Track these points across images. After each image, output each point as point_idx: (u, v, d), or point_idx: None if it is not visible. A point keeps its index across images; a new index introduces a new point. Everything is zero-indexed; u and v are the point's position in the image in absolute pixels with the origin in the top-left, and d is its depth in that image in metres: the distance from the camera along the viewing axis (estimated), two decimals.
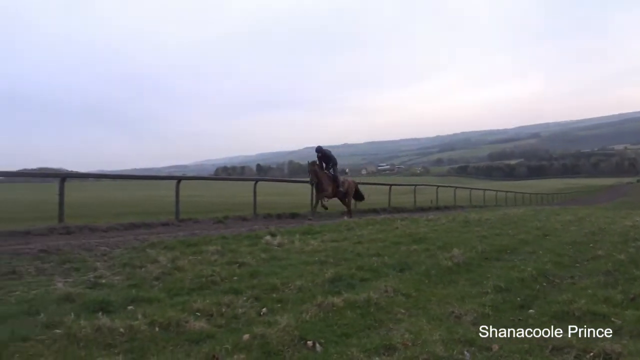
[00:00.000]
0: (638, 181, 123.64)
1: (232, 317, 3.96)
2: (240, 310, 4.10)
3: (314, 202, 15.86)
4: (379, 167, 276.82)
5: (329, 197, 16.15)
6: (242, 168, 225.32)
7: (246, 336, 3.38)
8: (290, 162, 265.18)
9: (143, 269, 5.70)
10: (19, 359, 2.92)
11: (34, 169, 24.95)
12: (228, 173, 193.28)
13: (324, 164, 16.32)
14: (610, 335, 3.45)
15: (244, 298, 4.43)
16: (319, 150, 16.47)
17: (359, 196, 18.10)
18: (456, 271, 6.01)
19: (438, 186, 29.77)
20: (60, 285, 4.93)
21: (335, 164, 16.50)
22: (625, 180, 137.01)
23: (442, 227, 11.53)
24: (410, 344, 3.31)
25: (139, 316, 3.68)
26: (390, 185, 24.58)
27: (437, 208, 24.12)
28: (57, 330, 3.34)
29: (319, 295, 4.41)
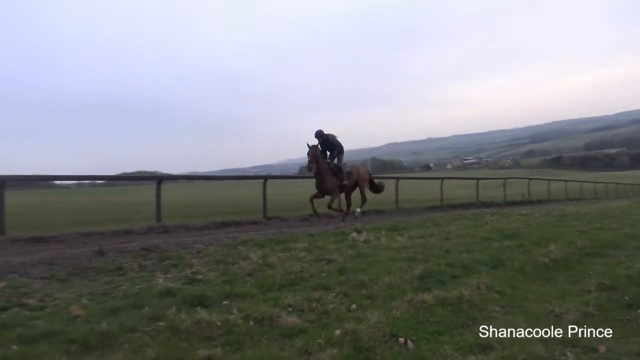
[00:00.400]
0: None
1: (323, 312, 4.01)
2: (330, 306, 4.14)
3: (332, 201, 12.59)
4: (465, 161, 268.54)
5: (330, 194, 12.58)
6: None
7: (337, 332, 3.41)
8: (373, 159, 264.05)
9: (236, 266, 5.93)
10: (128, 349, 3.14)
11: (133, 173, 26.68)
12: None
13: (327, 153, 12.86)
14: None
15: (333, 294, 4.47)
16: (320, 135, 12.66)
17: (375, 187, 14.36)
18: (554, 268, 5.73)
19: (530, 179, 28.40)
20: (161, 280, 5.25)
21: (341, 152, 12.95)
22: None
23: (536, 221, 11.01)
24: (507, 343, 3.20)
25: (234, 310, 3.83)
26: (478, 179, 23.79)
27: (529, 202, 23.03)
28: (161, 323, 3.56)
29: (409, 292, 4.37)
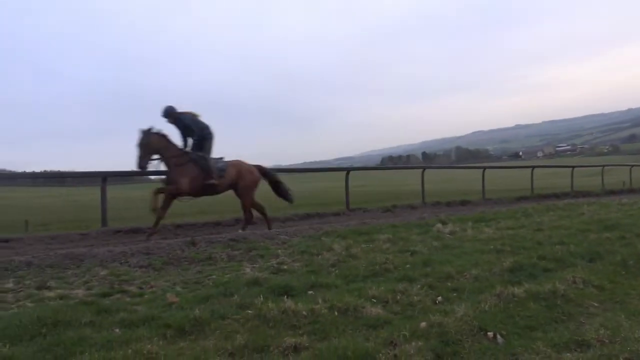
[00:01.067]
0: None
1: (408, 304, 3.98)
2: (415, 298, 4.11)
3: (152, 202, 8.52)
4: (558, 148, 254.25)
5: (185, 194, 8.79)
6: (408, 156, 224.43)
7: (423, 324, 3.37)
8: (458, 148, 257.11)
9: (320, 257, 6.02)
10: (219, 335, 3.29)
11: None
12: (394, 162, 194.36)
13: (188, 139, 9.09)
14: None
15: (418, 286, 4.42)
16: (169, 113, 8.87)
17: (281, 192, 10.06)
18: None
19: (632, 166, 26.39)
20: (248, 270, 5.46)
21: (205, 137, 8.97)
22: None
23: (639, 212, 10.23)
24: (607, 341, 3.01)
25: (319, 300, 3.89)
26: (573, 167, 22.47)
27: (631, 191, 21.40)
28: (249, 311, 3.70)
29: (498, 285, 4.23)
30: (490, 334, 3.26)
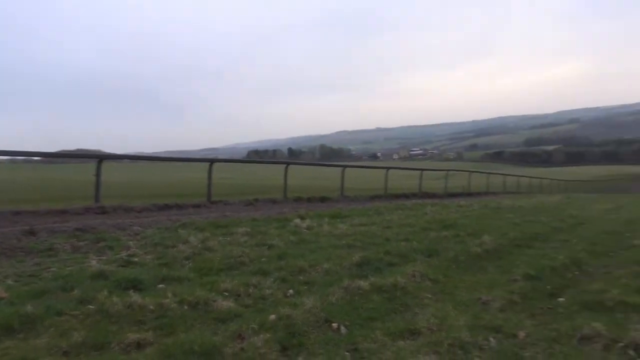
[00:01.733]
0: None
1: (259, 297, 4.03)
2: (267, 291, 4.17)
3: None
4: (412, 152, 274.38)
5: None
6: (274, 151, 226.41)
7: (272, 316, 3.43)
8: (322, 146, 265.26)
9: (174, 249, 5.84)
10: (54, 333, 3.04)
11: (72, 150, 25.58)
12: (260, 156, 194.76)
13: None
14: None
15: (272, 279, 4.50)
16: None
17: None
18: (485, 258, 5.97)
19: (471, 172, 29.33)
20: (94, 262, 5.10)
21: None
22: None
23: (474, 213, 11.42)
24: (435, 329, 3.31)
25: (169, 294, 3.78)
26: (422, 170, 24.35)
27: (469, 194, 23.80)
28: (91, 306, 3.47)
29: (346, 279, 4.45)
30: (335, 324, 3.42)
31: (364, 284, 4.31)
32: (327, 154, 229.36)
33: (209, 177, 13.67)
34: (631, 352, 2.93)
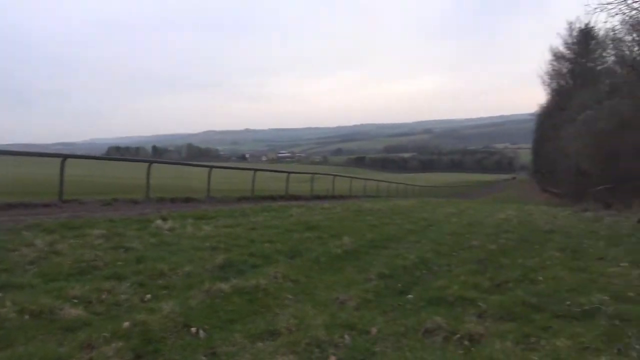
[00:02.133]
0: (513, 178, 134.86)
1: (113, 304, 3.80)
2: (122, 296, 3.94)
3: None
4: (280, 155, 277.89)
5: None
6: (137, 149, 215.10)
7: (126, 323, 3.26)
8: (189, 145, 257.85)
9: (16, 253, 5.26)
10: None
11: None
12: (121, 153, 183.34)
13: None
14: (476, 318, 3.76)
15: (128, 284, 4.26)
16: None
17: None
18: (345, 258, 6.22)
19: (335, 175, 30.41)
20: None
21: None
22: (503, 177, 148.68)
23: (336, 215, 11.84)
24: (294, 329, 3.38)
25: (8, 303, 3.41)
26: (289, 172, 24.73)
27: (333, 197, 24.64)
28: None
29: (207, 282, 4.37)
30: (193, 329, 3.34)
31: (225, 286, 4.26)
32: (195, 153, 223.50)
33: (61, 174, 12.56)
34: (466, 342, 3.25)
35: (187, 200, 15.39)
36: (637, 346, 3.17)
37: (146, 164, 15.97)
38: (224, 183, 24.23)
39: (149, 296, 4.04)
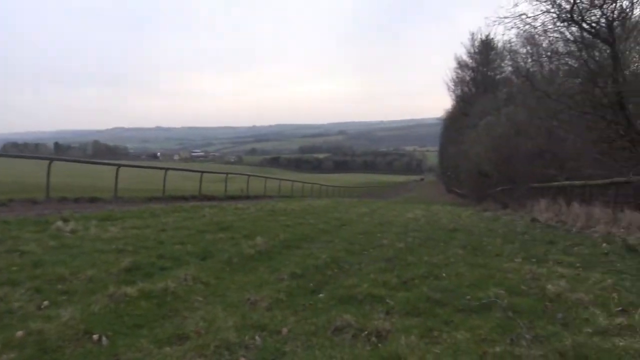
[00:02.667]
0: (422, 179, 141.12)
1: (6, 312, 3.52)
2: (16, 304, 3.66)
3: None
4: (193, 154, 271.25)
5: None
6: (36, 145, 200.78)
7: (20, 333, 3.03)
8: (96, 143, 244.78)
9: None
10: None
11: None
12: (19, 150, 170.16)
13: None
14: (383, 315, 3.88)
15: (22, 290, 3.97)
16: None
17: None
18: (258, 259, 6.18)
19: (249, 175, 30.19)
20: None
21: None
22: (413, 178, 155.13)
23: (250, 216, 11.75)
24: (203, 332, 3.31)
25: None
26: (202, 172, 24.21)
27: (248, 197, 24.43)
28: None
29: (111, 286, 4.16)
30: (95, 336, 3.17)
31: (131, 290, 4.09)
32: (102, 151, 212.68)
33: None
34: (374, 339, 3.34)
35: (93, 200, 14.60)
36: (527, 336, 3.42)
37: (47, 162, 14.96)
38: (133, 182, 23.25)
39: (46, 303, 3.78)
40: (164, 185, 19.25)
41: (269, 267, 5.76)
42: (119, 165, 17.79)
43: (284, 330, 3.47)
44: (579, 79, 15.88)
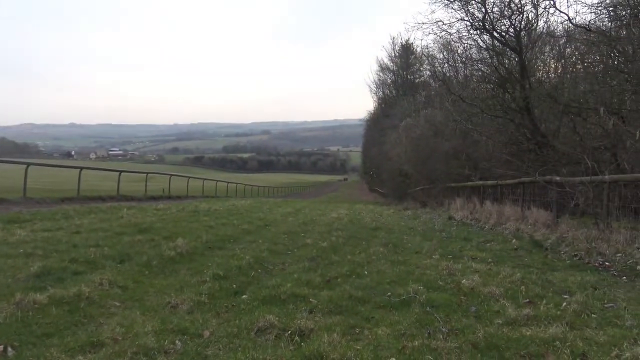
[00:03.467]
0: (345, 179, 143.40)
1: None
2: None
3: None
4: (111, 152, 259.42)
5: None
6: None
7: None
8: (3, 140, 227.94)
9: None
10: None
11: None
12: None
13: None
14: (307, 314, 3.90)
15: None
16: None
17: None
18: (179, 261, 6.02)
19: (171, 175, 29.35)
20: None
21: None
22: (337, 177, 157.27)
23: (171, 216, 11.42)
24: (120, 338, 3.18)
25: None
26: (121, 171, 23.23)
27: (169, 197, 23.72)
28: None
29: (19, 292, 3.89)
30: (0, 347, 2.95)
31: (41, 297, 3.85)
32: (9, 149, 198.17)
33: None
34: (297, 338, 3.35)
35: None
36: (443, 329, 3.57)
37: None
38: (45, 182, 21.91)
39: None
40: (78, 185, 18.28)
41: (191, 269, 5.63)
42: (29, 164, 16.67)
43: (206, 333, 3.41)
44: (491, 85, 16.80)
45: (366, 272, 5.60)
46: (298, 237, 8.85)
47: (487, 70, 16.69)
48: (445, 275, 5.42)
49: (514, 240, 8.62)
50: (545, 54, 16.61)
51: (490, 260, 6.58)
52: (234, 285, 4.90)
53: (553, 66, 16.38)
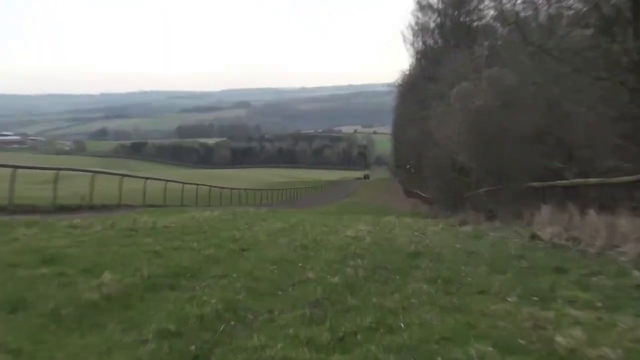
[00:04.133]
0: (366, 177, 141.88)
1: None
2: None
3: None
4: (2, 137, 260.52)
5: None
6: None
7: None
8: None
9: None
10: None
11: None
12: None
13: None
14: None
15: None
16: None
17: None
18: (105, 309, 5.99)
19: (95, 172, 29.40)
20: None
21: None
22: (353, 174, 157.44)
23: (94, 237, 11.39)
24: None
25: None
26: (15, 167, 23.24)
27: (92, 207, 23.76)
28: None
29: None
30: None
31: None
32: None
33: None
34: None
35: None
36: None
37: None
38: None
39: None
40: None
41: (124, 321, 5.60)
42: None
43: None
44: (590, 29, 16.64)
45: (402, 325, 5.52)
46: (294, 268, 8.81)
47: (584, 7, 16.56)
48: (529, 329, 5.34)
49: (635, 272, 8.50)
50: None
51: (599, 304, 6.49)
52: (192, 348, 4.84)
53: None
